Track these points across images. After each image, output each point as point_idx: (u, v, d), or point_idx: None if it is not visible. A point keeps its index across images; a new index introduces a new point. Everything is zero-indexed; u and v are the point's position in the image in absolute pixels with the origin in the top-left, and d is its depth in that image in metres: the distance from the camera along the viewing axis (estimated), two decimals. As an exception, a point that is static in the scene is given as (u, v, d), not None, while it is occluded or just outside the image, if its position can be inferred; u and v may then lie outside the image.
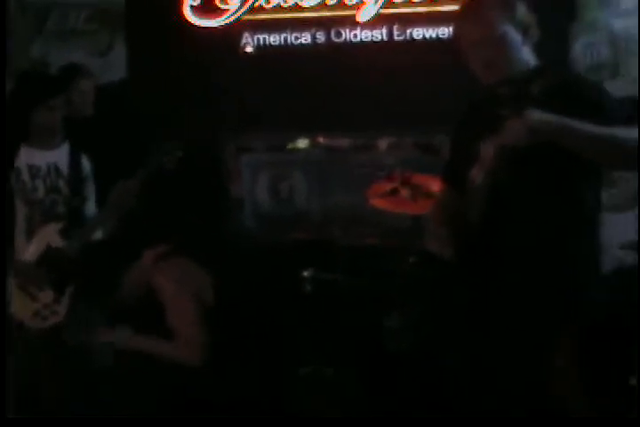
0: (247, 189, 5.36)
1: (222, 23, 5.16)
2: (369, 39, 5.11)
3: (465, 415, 2.94)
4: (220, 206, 5.33)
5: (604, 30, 4.87)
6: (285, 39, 5.18)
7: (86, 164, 4.04)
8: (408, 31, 5.08)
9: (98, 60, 5.29)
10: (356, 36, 5.13)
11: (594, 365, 2.74)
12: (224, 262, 3.84)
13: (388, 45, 5.10)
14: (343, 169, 5.25)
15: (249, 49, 5.19)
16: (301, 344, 4.43)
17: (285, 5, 5.13)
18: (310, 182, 5.31)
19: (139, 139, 4.54)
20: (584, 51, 4.74)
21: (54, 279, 3.89)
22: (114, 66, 5.32)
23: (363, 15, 5.05)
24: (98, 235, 3.95)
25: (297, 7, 5.13)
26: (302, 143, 5.32)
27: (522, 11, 2.78)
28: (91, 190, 4.05)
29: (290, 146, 5.33)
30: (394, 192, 4.42)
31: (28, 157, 3.97)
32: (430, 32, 5.07)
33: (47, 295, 3.91)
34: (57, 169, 3.99)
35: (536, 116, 2.51)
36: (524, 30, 2.77)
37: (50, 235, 3.91)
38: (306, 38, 5.16)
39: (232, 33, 5.19)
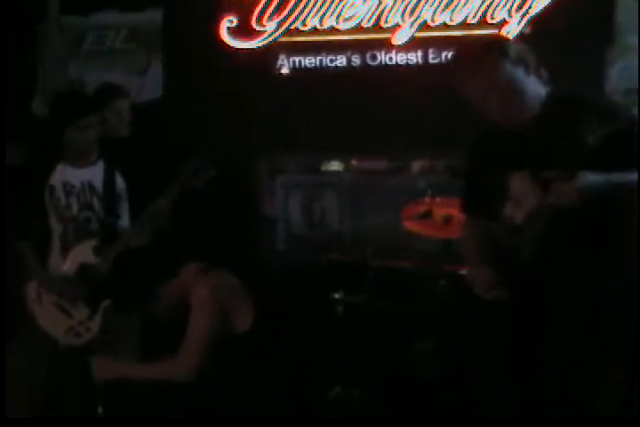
0: (280, 209, 5.38)
1: (258, 45, 5.19)
2: (404, 62, 5.11)
3: None
4: (253, 227, 5.34)
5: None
6: (321, 61, 5.19)
7: (120, 182, 4.08)
8: (443, 54, 5.07)
9: (134, 79, 5.32)
10: (391, 58, 5.12)
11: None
12: (257, 282, 3.84)
13: (423, 68, 5.09)
14: (375, 191, 5.24)
15: (284, 70, 5.21)
16: (331, 366, 4.42)
17: (321, 28, 5.14)
18: (342, 204, 5.30)
19: (173, 158, 4.57)
20: (620, 75, 4.71)
21: (88, 296, 3.93)
22: (150, 85, 5.35)
23: (398, 38, 5.05)
24: (130, 251, 3.98)
25: (333, 30, 5.14)
26: (335, 165, 5.32)
27: (513, 50, 2.72)
28: (124, 208, 4.08)
29: (323, 168, 5.33)
30: (426, 215, 4.43)
31: (63, 175, 4.03)
32: (466, 55, 5.05)
33: (81, 312, 3.95)
34: (91, 186, 4.03)
35: (589, 178, 2.48)
36: (525, 67, 2.71)
37: (84, 252, 3.95)
38: (341, 61, 5.17)
39: (268, 55, 5.21)
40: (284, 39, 5.18)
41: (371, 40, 5.12)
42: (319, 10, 5.13)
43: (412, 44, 5.07)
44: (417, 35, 5.05)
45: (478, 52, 2.76)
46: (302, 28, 5.17)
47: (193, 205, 3.88)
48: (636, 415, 2.58)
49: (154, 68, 5.40)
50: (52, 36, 5.52)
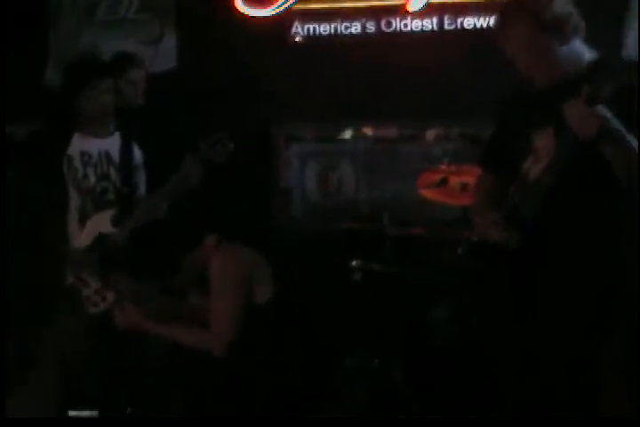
0: (296, 178, 5.37)
1: (272, 12, 5.16)
2: (419, 29, 5.08)
3: (511, 409, 2.94)
4: (270, 196, 5.35)
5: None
6: (335, 29, 5.16)
7: (137, 152, 4.08)
8: (459, 20, 5.04)
9: (148, 49, 5.29)
10: (406, 25, 5.09)
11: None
12: (275, 252, 3.85)
13: (438, 35, 5.07)
14: (391, 159, 5.24)
15: (299, 38, 5.19)
16: (349, 334, 4.44)
17: (335, -5, 5.12)
18: (358, 172, 5.30)
19: (189, 128, 4.56)
20: (636, 43, 4.66)
21: (105, 266, 3.94)
22: (164, 55, 5.33)
23: (413, 4, 5.01)
24: (148, 221, 3.98)
25: (347, -4, 5.12)
26: (350, 133, 5.31)
27: (551, 9, 2.73)
28: (141, 179, 4.09)
29: (339, 136, 5.32)
30: (443, 183, 4.43)
31: (81, 145, 4.03)
32: (481, 21, 5.02)
33: (98, 282, 3.97)
34: (108, 157, 4.04)
35: (605, 111, 2.52)
36: (559, 28, 2.73)
37: (102, 222, 3.96)
38: (356, 28, 5.14)
39: (282, 22, 5.19)
40: (298, 6, 5.15)
41: (385, 6, 5.10)
42: (333, -23, 5.10)
43: (428, 10, 5.03)
44: (432, 1, 5.01)
45: (509, 11, 2.81)
46: (316, -5, 5.15)
47: (210, 177, 3.86)
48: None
49: (167, 37, 5.38)
50: (65, 5, 5.51)
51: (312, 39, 5.19)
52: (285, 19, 5.19)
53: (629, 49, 4.70)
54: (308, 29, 5.19)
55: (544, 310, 2.75)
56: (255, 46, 5.17)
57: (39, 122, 4.75)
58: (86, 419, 3.82)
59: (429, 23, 5.07)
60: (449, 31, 5.06)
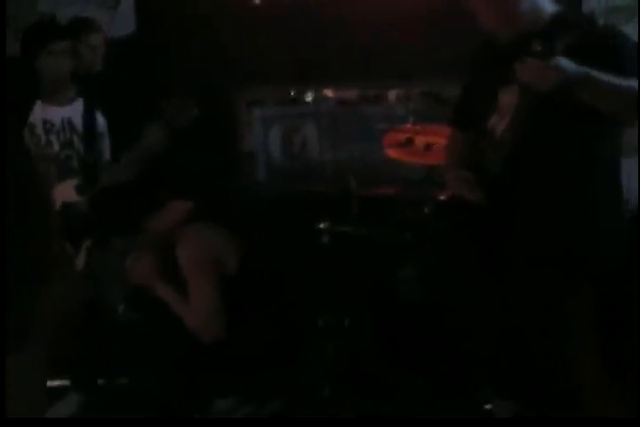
0: (260, 142, 5.36)
1: (232, -26, 5.12)
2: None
3: (478, 366, 2.97)
4: (233, 160, 5.34)
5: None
6: (295, -11, 5.13)
7: (101, 119, 4.07)
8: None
9: (107, 13, 5.24)
10: (366, -16, 5.07)
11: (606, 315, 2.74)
12: (240, 218, 3.86)
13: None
14: (355, 120, 5.24)
15: (257, 0, 5.15)
16: (319, 296, 4.47)
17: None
18: (322, 134, 5.30)
19: (151, 93, 4.52)
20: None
21: (71, 233, 3.93)
22: (123, 19, 5.27)
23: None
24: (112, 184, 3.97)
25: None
26: (312, 95, 5.30)
27: None
28: (105, 146, 4.08)
29: (301, 98, 5.30)
30: (408, 142, 4.41)
31: (43, 113, 4.01)
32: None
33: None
34: (71, 124, 4.02)
35: (563, 62, 2.49)
36: None
37: (66, 191, 3.94)
38: (315, -12, 5.10)
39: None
40: (256, -33, 5.12)
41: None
42: None
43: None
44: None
45: None
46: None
47: (173, 142, 3.84)
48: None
49: (125, 1, 5.31)
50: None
51: (271, 1, 5.14)
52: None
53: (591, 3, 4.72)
54: (266, -10, 5.15)
55: (512, 268, 2.76)
56: (214, 9, 5.14)
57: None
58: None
59: (388, -20, 5.05)
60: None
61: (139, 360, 4.15)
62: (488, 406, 3.63)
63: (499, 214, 2.76)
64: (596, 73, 2.49)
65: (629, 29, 3.78)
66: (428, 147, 4.37)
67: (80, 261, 3.97)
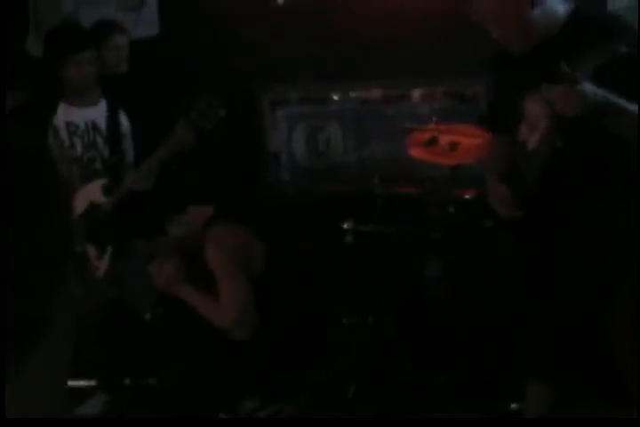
0: (284, 142, 5.38)
1: (254, -25, 5.15)
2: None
3: (502, 363, 2.98)
4: (258, 160, 5.36)
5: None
6: (318, -11, 5.15)
7: (124, 121, 4.10)
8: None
9: (130, 15, 5.25)
10: (389, -16, 5.09)
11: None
12: (265, 219, 3.90)
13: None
14: (379, 120, 5.25)
15: (280, 1, 5.18)
16: (344, 295, 4.50)
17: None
18: (346, 134, 5.32)
19: (175, 95, 4.56)
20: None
21: (96, 236, 3.98)
22: (146, 21, 5.29)
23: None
24: (138, 188, 4.01)
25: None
26: (337, 95, 5.32)
27: None
28: (129, 147, 4.11)
29: (325, 98, 5.33)
30: (432, 142, 4.43)
31: (66, 115, 4.05)
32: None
33: (90, 251, 4.01)
34: (95, 126, 4.05)
35: (589, 88, 2.46)
36: None
37: (93, 191, 3.99)
38: (339, -12, 5.12)
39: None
40: (280, -32, 5.14)
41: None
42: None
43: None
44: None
45: None
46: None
47: (198, 142, 3.88)
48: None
49: (149, 3, 5.34)
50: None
51: (295, 0, 5.16)
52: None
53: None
54: (291, -9, 5.17)
55: (542, 267, 2.79)
56: (237, 9, 5.15)
57: (23, 93, 4.75)
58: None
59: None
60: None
61: (165, 360, 4.19)
62: (514, 406, 3.67)
63: (535, 228, 2.79)
64: (617, 100, 2.48)
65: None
66: (453, 146, 4.40)
67: (104, 263, 4.02)
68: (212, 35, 5.20)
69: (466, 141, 4.41)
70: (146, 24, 5.29)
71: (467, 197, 4.37)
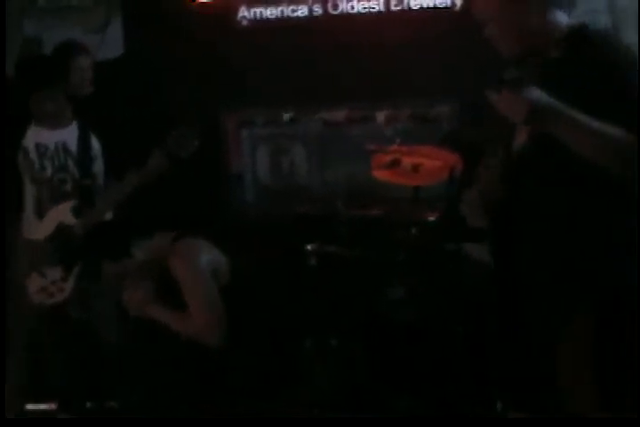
0: (248, 163, 5.44)
1: (218, -3, 5.22)
2: (366, 10, 5.20)
3: (471, 384, 2.98)
4: (221, 182, 5.41)
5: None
6: (282, 12, 5.25)
7: (95, 143, 4.16)
8: (405, 0, 5.15)
9: (94, 36, 5.31)
10: (352, 7, 5.21)
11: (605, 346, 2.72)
12: (230, 239, 3.95)
13: (385, 16, 5.18)
14: (343, 142, 5.32)
15: (245, 23, 5.25)
16: (307, 316, 4.53)
17: (281, -23, 5.19)
18: (310, 155, 5.38)
19: (143, 116, 4.63)
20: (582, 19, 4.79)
21: (63, 257, 4.02)
22: (110, 43, 5.34)
23: (359, -14, 5.11)
24: (108, 214, 4.08)
25: (293, -21, 5.18)
26: (301, 117, 5.38)
27: None
28: (99, 169, 4.17)
29: (289, 120, 5.40)
30: (395, 163, 4.50)
31: (37, 136, 4.11)
32: (428, 1, 5.15)
33: (55, 272, 4.06)
34: (65, 148, 4.11)
35: (535, 93, 2.38)
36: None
37: (62, 213, 4.04)
38: (303, 11, 5.24)
39: (228, 7, 5.26)
40: (243, -10, 5.22)
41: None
42: (278, -41, 5.16)
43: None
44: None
45: None
46: (262, -22, 5.20)
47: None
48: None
49: (113, 25, 5.39)
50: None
51: (259, 23, 5.26)
52: (231, 3, 5.25)
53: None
54: (255, 13, 5.26)
55: (505, 285, 2.76)
56: (202, 32, 5.22)
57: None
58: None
59: (376, 4, 5.19)
60: (395, 11, 5.18)
61: (128, 383, 4.22)
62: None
63: (499, 237, 2.73)
64: (570, 110, 2.38)
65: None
66: (415, 168, 4.47)
67: (69, 285, 4.07)
68: (176, 56, 5.25)
69: (428, 163, 4.49)
70: (110, 45, 5.33)
71: (430, 218, 4.45)
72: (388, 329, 4.40)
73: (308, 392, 4.18)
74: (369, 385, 4.23)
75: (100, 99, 4.47)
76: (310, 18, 5.23)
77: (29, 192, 4.12)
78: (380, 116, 5.31)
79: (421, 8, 5.16)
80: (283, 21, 5.26)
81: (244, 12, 5.26)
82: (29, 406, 4.34)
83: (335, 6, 5.21)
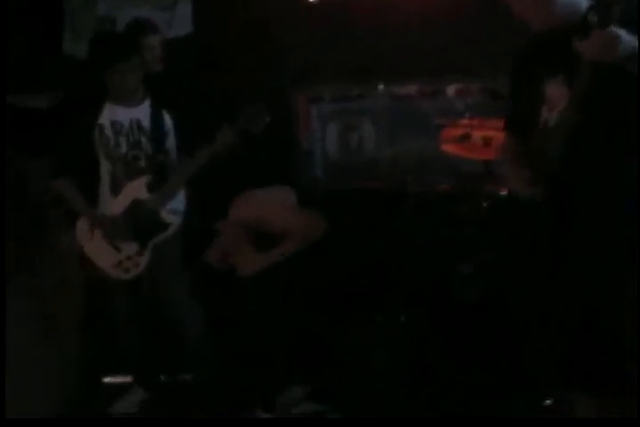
0: (317, 139, 5.49)
1: (288, -28, 5.23)
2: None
3: (534, 365, 2.99)
4: (291, 158, 5.47)
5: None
6: (352, -14, 5.24)
7: (167, 119, 4.26)
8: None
9: (163, 14, 5.38)
10: (422, -20, 5.17)
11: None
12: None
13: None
14: (412, 116, 5.32)
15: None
16: (376, 293, 4.60)
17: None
18: (379, 131, 5.41)
19: (211, 92, 4.70)
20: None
21: (139, 232, 4.14)
22: (180, 20, 5.42)
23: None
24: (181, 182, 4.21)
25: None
26: (370, 92, 5.40)
27: None
28: (171, 145, 4.27)
29: (358, 95, 5.42)
30: (465, 138, 4.53)
31: (112, 114, 4.23)
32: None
33: (131, 248, 4.18)
34: (139, 125, 4.22)
35: (622, 32, 2.46)
36: None
37: (137, 188, 4.18)
38: (372, -16, 5.21)
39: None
40: (313, -35, 5.22)
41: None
42: None
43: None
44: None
45: None
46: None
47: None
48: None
49: (182, 2, 5.45)
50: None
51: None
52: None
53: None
54: (324, -13, 5.25)
55: (574, 264, 2.77)
56: (271, 7, 5.25)
57: (58, 92, 4.93)
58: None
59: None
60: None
61: (201, 357, 4.32)
62: (548, 402, 3.79)
63: (557, 210, 2.74)
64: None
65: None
66: (486, 141, 4.49)
67: (145, 259, 4.19)
68: (245, 34, 5.30)
69: (500, 136, 4.49)
70: (180, 23, 5.40)
71: (501, 193, 4.46)
72: (456, 306, 4.45)
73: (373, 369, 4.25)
74: (438, 360, 4.28)
75: (171, 76, 4.59)
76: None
77: (105, 169, 4.24)
78: (451, 90, 5.31)
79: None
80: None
81: (314, -14, 5.25)
82: (106, 380, 4.51)
83: (405, -20, 5.18)
